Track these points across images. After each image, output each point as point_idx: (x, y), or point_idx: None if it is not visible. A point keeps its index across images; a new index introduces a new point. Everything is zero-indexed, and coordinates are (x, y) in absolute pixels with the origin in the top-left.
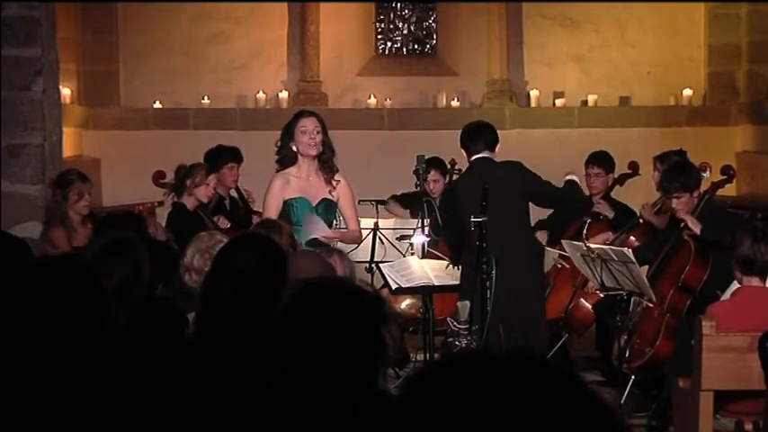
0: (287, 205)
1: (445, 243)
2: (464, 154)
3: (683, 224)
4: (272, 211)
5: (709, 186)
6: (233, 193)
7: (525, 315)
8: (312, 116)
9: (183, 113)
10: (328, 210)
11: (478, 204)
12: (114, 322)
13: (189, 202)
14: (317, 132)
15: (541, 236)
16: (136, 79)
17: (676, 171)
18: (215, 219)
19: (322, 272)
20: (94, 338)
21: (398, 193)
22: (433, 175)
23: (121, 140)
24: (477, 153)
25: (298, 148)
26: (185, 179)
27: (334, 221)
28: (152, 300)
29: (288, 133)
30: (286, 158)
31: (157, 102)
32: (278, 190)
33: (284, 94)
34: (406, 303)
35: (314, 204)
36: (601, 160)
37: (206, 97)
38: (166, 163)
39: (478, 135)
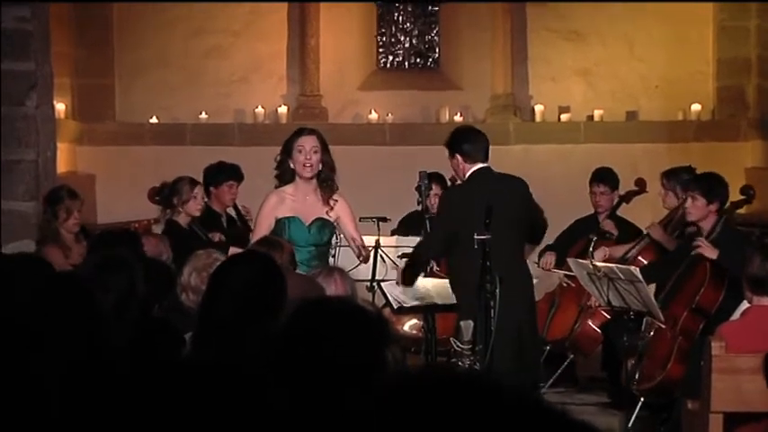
0: (279, 223)
1: (420, 252)
2: (458, 161)
3: (696, 241)
4: (263, 228)
5: (728, 206)
6: (230, 210)
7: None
8: (312, 135)
9: (180, 129)
10: (321, 230)
11: (473, 219)
12: (112, 341)
13: (182, 220)
14: (315, 152)
15: (549, 257)
16: (132, 94)
17: (707, 175)
18: (211, 236)
19: (305, 292)
20: (94, 356)
21: (400, 219)
22: (434, 189)
23: (117, 156)
24: (478, 161)
25: (295, 168)
26: (171, 197)
27: (334, 239)
28: (149, 319)
29: (286, 150)
30: (285, 174)
31: (154, 117)
32: (271, 208)
33: (283, 109)
34: (408, 324)
35: (307, 224)
36: (605, 177)
37: (203, 112)
38: (163, 179)
39: (478, 141)
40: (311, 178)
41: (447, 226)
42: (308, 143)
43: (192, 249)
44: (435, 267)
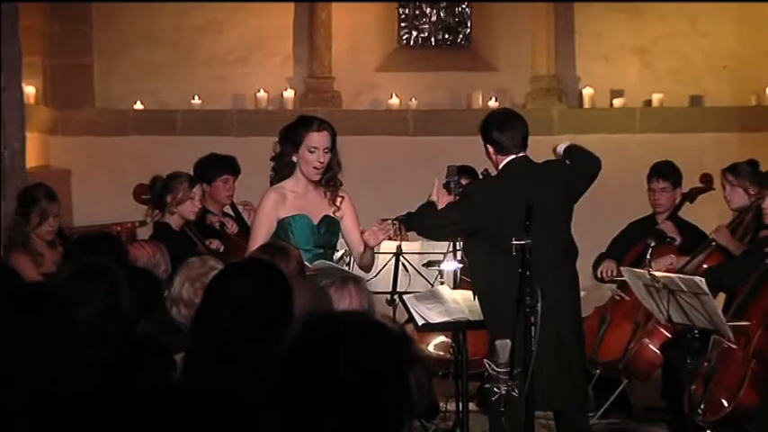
0: (282, 225)
1: (420, 223)
2: (489, 152)
3: None
4: (263, 232)
5: None
6: (227, 210)
7: (563, 358)
8: (325, 130)
9: (170, 116)
10: (331, 229)
11: (501, 219)
12: (88, 364)
13: (173, 222)
14: (326, 152)
15: (609, 265)
16: (113, 76)
17: None
18: (207, 242)
19: (313, 301)
20: (68, 384)
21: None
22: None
23: (96, 148)
24: (512, 152)
25: (299, 165)
26: (164, 195)
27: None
28: (133, 337)
29: (292, 143)
30: (284, 169)
31: (138, 102)
32: (271, 207)
33: (289, 94)
34: (434, 343)
35: (315, 222)
36: (666, 173)
37: (196, 97)
38: (149, 175)
39: (512, 128)
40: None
41: (465, 221)
42: (322, 142)
43: (183, 257)
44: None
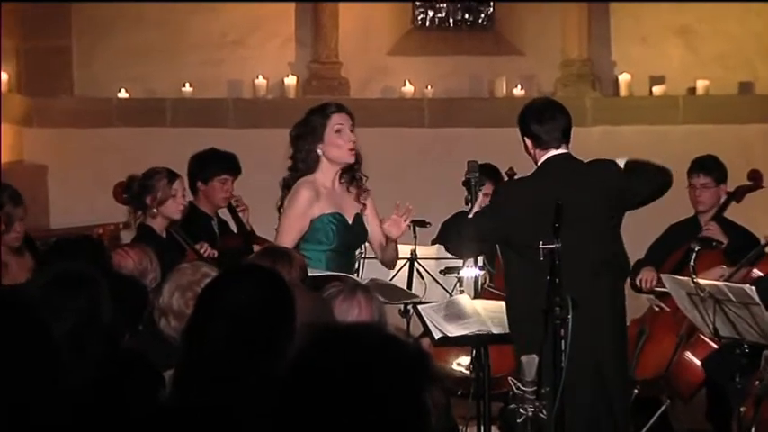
0: (320, 223)
1: (449, 238)
2: (527, 146)
3: None
4: (293, 234)
5: None
6: (222, 213)
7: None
8: (344, 111)
9: (158, 105)
10: (364, 228)
11: (533, 222)
12: (66, 381)
13: (157, 224)
14: (353, 131)
15: (648, 274)
16: (94, 60)
17: None
18: (197, 246)
19: (313, 312)
20: (38, 409)
21: (442, 223)
22: (487, 187)
23: (75, 141)
24: (552, 147)
25: (327, 153)
26: (143, 196)
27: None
28: (116, 354)
29: (312, 133)
30: (305, 166)
31: (123, 90)
32: (307, 206)
33: (291, 80)
34: (454, 359)
35: (350, 221)
36: (708, 167)
37: (187, 84)
38: (134, 171)
39: (552, 120)
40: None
41: (495, 224)
42: (346, 120)
43: (171, 263)
44: (488, 283)
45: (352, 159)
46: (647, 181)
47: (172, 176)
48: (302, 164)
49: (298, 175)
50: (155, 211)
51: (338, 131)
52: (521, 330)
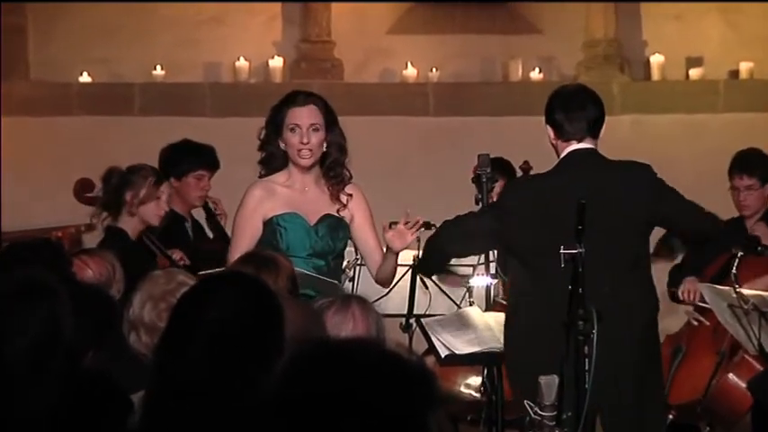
0: (270, 225)
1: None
2: (549, 136)
3: None
4: (246, 238)
5: None
6: (196, 214)
7: (630, 407)
8: (308, 104)
9: (125, 91)
10: (333, 231)
11: (549, 225)
12: (23, 408)
13: (131, 227)
14: (315, 130)
15: (691, 285)
16: (53, 40)
17: None
18: (170, 252)
19: (302, 324)
20: None
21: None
22: (498, 184)
23: (31, 131)
24: (575, 139)
25: (286, 150)
26: (122, 191)
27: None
28: (79, 374)
29: (274, 124)
30: (273, 159)
31: (85, 74)
32: (255, 205)
33: (277, 63)
34: (462, 380)
35: (312, 223)
36: (751, 166)
37: (159, 67)
38: (99, 165)
39: (578, 108)
40: (311, 167)
41: (497, 225)
42: (303, 117)
43: (143, 270)
44: (500, 296)
45: (304, 163)
46: (687, 212)
47: (160, 177)
48: (267, 155)
49: (265, 171)
50: (133, 210)
51: (292, 129)
52: (517, 350)
